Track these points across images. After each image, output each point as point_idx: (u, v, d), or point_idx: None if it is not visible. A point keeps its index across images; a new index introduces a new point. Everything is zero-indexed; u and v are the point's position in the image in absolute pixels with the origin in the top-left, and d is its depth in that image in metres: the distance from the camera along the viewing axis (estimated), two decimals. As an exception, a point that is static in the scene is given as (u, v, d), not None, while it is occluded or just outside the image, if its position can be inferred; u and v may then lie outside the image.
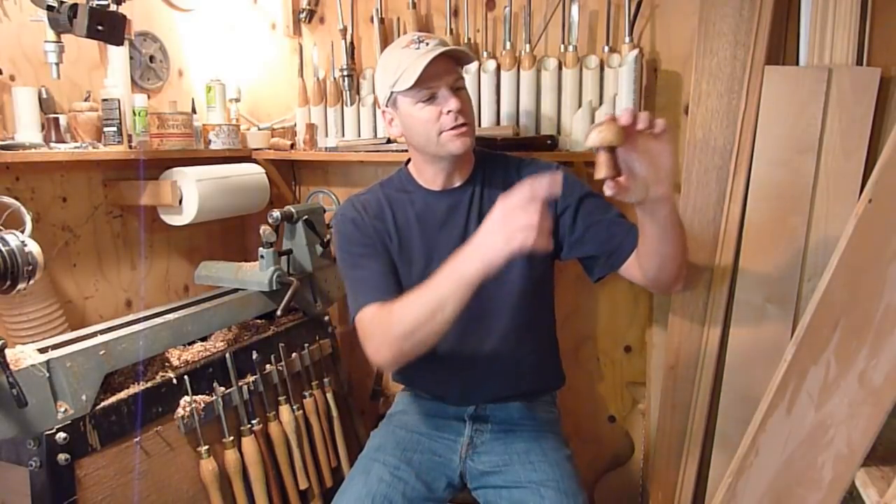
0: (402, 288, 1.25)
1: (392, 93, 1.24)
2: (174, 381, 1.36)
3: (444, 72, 1.21)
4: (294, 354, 1.69)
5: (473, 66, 1.72)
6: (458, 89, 1.23)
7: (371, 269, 1.28)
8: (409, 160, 1.39)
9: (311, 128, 1.95)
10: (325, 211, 1.93)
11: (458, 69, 1.25)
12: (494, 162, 1.37)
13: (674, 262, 1.15)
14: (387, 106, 1.29)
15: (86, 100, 1.64)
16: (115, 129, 1.58)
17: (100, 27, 1.33)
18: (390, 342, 1.14)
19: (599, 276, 1.30)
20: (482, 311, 1.32)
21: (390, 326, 1.14)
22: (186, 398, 1.37)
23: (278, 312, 1.62)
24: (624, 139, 0.93)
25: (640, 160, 0.98)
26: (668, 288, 1.23)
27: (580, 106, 1.66)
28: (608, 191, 0.99)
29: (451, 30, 1.79)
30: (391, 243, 1.33)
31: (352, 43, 1.90)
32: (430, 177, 1.33)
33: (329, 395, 1.77)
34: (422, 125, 1.24)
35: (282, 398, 1.60)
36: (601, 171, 0.96)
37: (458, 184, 1.33)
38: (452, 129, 1.22)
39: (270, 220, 1.69)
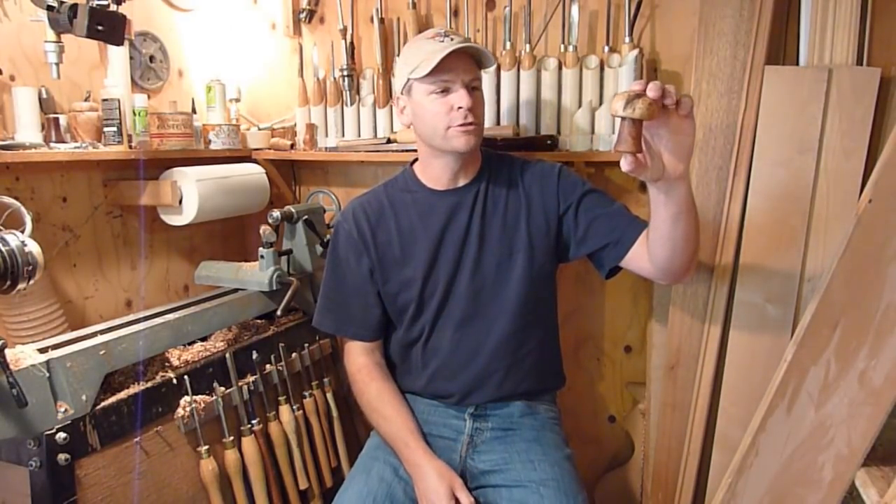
0: (381, 314, 1.39)
1: (409, 79, 1.25)
2: (174, 381, 1.36)
3: (463, 69, 1.22)
4: (294, 354, 1.68)
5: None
6: (474, 88, 1.24)
7: (352, 299, 1.38)
8: (414, 160, 1.39)
9: (311, 128, 1.95)
10: (325, 211, 1.93)
11: (477, 69, 1.26)
12: (500, 163, 1.37)
13: (687, 246, 1.11)
14: (402, 93, 1.30)
15: (86, 100, 1.64)
16: (115, 129, 1.58)
17: (100, 27, 1.33)
18: (359, 402, 1.40)
19: (610, 270, 1.28)
20: (484, 312, 1.32)
21: (361, 400, 1.38)
22: (186, 398, 1.37)
23: (278, 312, 1.62)
24: (655, 114, 0.89)
25: (662, 136, 0.95)
26: (679, 276, 1.19)
27: (580, 106, 1.66)
28: (626, 166, 0.93)
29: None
30: (390, 249, 1.34)
31: (352, 43, 1.90)
32: (435, 174, 1.33)
33: (329, 395, 1.77)
34: (431, 116, 1.25)
35: (282, 398, 1.60)
36: (624, 145, 0.89)
37: (462, 183, 1.33)
38: (460, 126, 1.23)
39: (270, 220, 1.69)
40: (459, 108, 1.22)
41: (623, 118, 0.89)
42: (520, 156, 1.43)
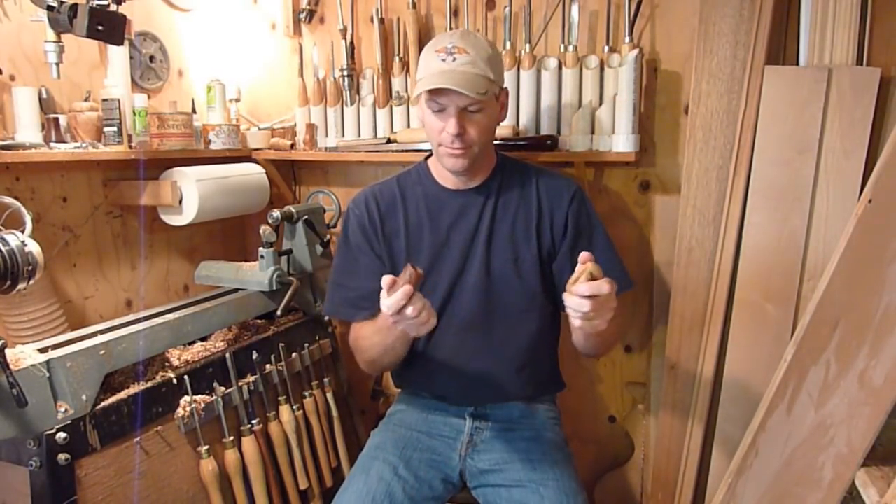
0: None
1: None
2: (174, 381, 1.36)
3: (459, 94, 1.19)
4: (294, 354, 1.68)
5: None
6: (473, 111, 1.22)
7: (360, 284, 1.34)
8: (429, 155, 1.40)
9: (311, 128, 1.95)
10: (325, 211, 1.93)
11: (480, 94, 1.20)
12: (514, 168, 1.37)
13: (590, 352, 1.28)
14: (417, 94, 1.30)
15: (86, 100, 1.63)
16: (115, 129, 1.58)
17: (100, 27, 1.33)
18: (362, 362, 1.34)
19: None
20: (490, 315, 1.32)
21: (360, 352, 1.32)
22: (186, 398, 1.37)
23: (278, 312, 1.62)
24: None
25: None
26: (587, 357, 1.37)
27: (580, 106, 1.66)
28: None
29: (450, 30, 1.79)
30: (397, 240, 1.34)
31: (352, 43, 1.90)
32: (447, 174, 1.35)
33: (329, 395, 1.77)
34: (429, 129, 1.27)
35: (282, 398, 1.60)
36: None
37: (472, 185, 1.34)
38: (448, 147, 1.24)
39: (270, 220, 1.69)
40: (448, 132, 1.22)
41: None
42: (535, 164, 1.42)
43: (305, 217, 1.77)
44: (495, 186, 1.34)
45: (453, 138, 1.22)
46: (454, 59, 1.21)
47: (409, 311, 1.00)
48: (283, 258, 1.73)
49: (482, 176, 1.34)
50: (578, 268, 1.00)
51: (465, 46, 1.22)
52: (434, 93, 1.20)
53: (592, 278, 0.99)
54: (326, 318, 1.88)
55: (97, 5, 1.33)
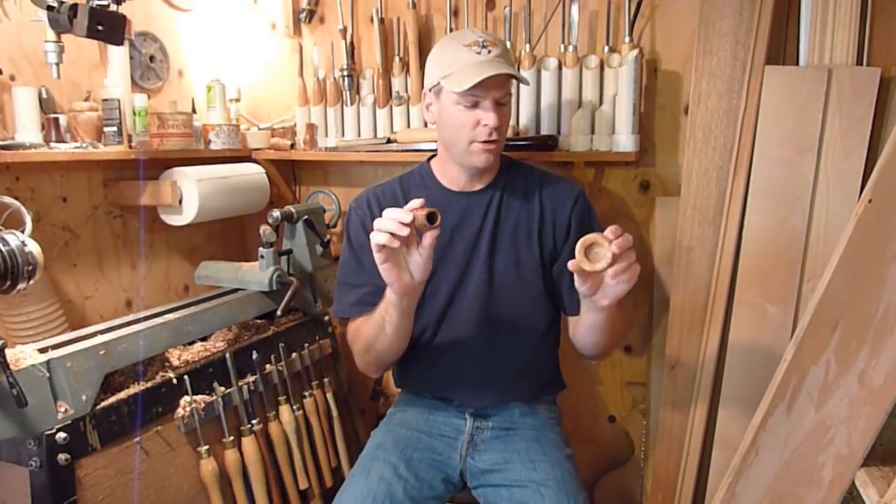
0: None
1: (440, 82, 1.24)
2: (174, 381, 1.36)
3: (495, 85, 1.20)
4: (294, 354, 1.69)
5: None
6: (503, 104, 1.23)
7: (367, 281, 1.32)
8: (431, 156, 1.40)
9: (311, 128, 1.95)
10: (325, 211, 1.93)
11: (508, 83, 1.24)
12: (517, 170, 1.37)
13: (595, 350, 1.25)
14: (430, 91, 1.29)
15: (86, 100, 1.63)
16: (115, 129, 1.58)
17: (100, 27, 1.33)
18: (357, 356, 1.31)
19: (569, 313, 1.33)
20: (492, 317, 1.32)
21: (356, 343, 1.30)
22: (186, 398, 1.37)
23: (278, 312, 1.62)
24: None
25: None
26: (587, 357, 1.32)
27: (580, 106, 1.66)
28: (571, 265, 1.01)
29: (450, 30, 1.79)
30: None
31: (352, 43, 1.90)
32: (451, 176, 1.34)
33: (329, 395, 1.77)
34: (457, 127, 1.24)
35: (282, 398, 1.60)
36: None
37: (478, 187, 1.33)
38: (483, 143, 1.23)
39: (270, 220, 1.69)
40: (485, 125, 1.21)
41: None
42: (538, 166, 1.42)
43: (305, 217, 1.77)
44: (499, 189, 1.33)
45: (492, 131, 1.21)
46: (489, 52, 1.20)
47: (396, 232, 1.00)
48: (283, 258, 1.73)
49: (487, 178, 1.34)
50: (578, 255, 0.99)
51: (493, 40, 1.23)
52: (473, 86, 1.18)
53: (586, 250, 0.98)
54: (327, 318, 1.88)
55: (97, 5, 1.33)
